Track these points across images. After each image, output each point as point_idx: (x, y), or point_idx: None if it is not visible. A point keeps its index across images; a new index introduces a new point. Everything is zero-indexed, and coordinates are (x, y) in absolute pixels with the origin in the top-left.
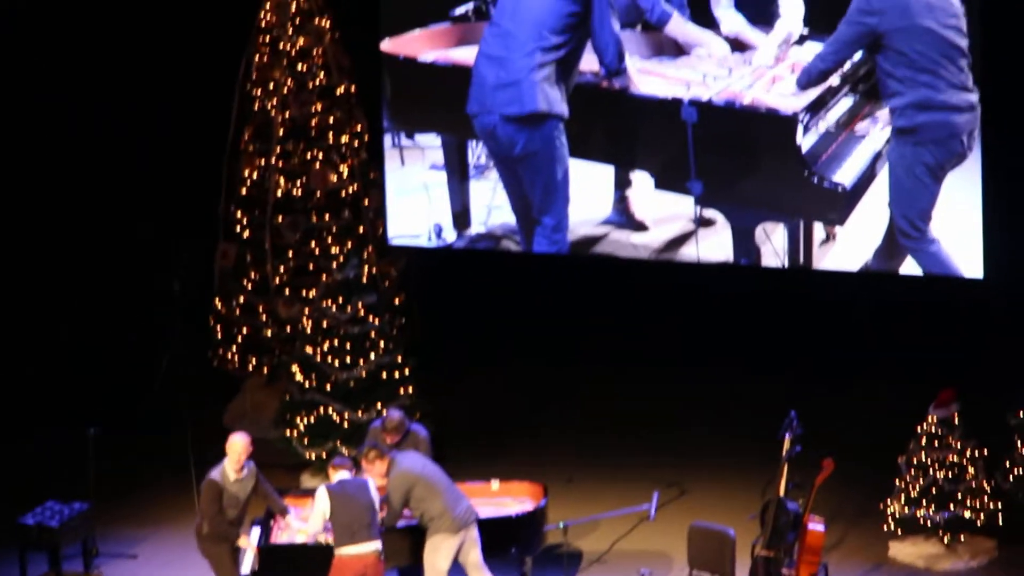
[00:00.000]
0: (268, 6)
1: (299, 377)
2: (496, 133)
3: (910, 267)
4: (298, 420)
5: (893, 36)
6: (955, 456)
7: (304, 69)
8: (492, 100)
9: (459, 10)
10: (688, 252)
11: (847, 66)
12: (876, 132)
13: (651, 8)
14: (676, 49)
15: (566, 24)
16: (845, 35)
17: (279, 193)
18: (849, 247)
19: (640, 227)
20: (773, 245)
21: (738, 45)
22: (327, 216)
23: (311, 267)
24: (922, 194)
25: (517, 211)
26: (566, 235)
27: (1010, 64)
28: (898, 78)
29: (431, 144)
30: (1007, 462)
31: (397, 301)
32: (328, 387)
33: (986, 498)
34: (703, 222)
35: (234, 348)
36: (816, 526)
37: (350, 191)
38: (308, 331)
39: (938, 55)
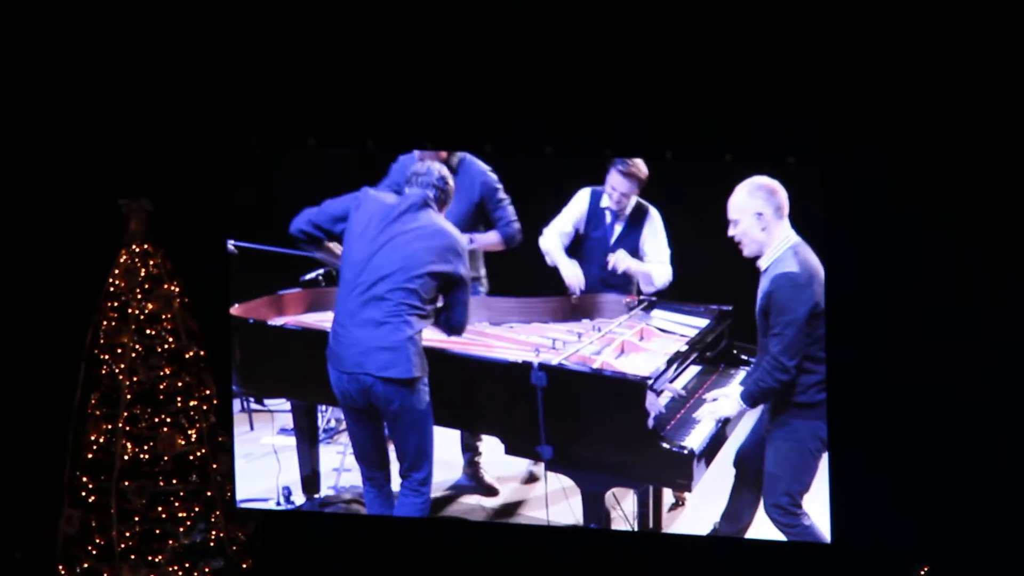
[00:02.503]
0: (117, 272)
1: None
2: (374, 390)
3: (756, 531)
4: None
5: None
6: None
7: (153, 334)
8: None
9: (309, 275)
10: (538, 516)
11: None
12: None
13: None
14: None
15: None
16: (800, 335)
17: (126, 457)
18: (698, 511)
19: (490, 491)
20: (623, 510)
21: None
22: (174, 480)
23: (157, 532)
24: (811, 468)
25: (372, 471)
26: (430, 489)
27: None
28: (811, 356)
29: (280, 408)
30: None
31: (245, 566)
32: None
33: None
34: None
35: None
36: None
37: (198, 455)
38: None
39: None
